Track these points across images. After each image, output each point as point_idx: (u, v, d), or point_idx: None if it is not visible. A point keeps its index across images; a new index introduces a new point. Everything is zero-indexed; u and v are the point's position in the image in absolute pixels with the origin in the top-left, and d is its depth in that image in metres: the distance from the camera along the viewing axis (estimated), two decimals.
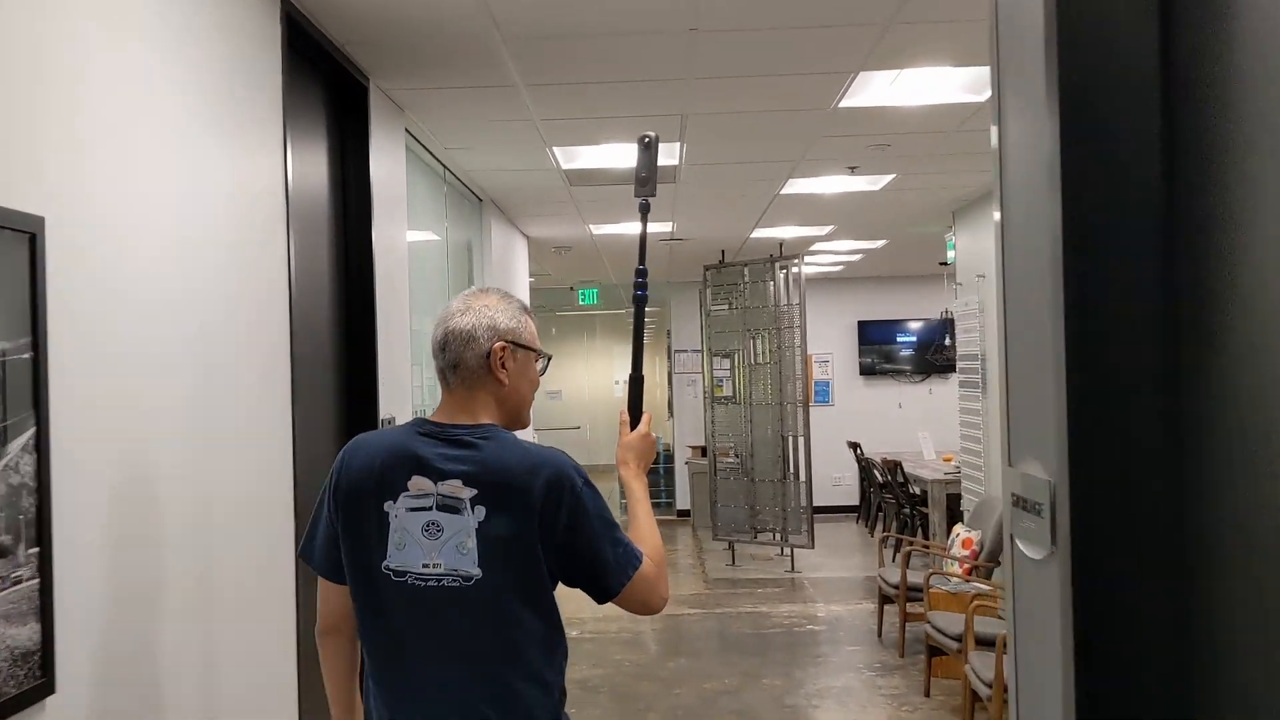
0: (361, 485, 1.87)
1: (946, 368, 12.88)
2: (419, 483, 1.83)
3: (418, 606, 1.82)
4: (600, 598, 1.91)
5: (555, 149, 5.41)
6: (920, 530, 9.88)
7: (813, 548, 9.36)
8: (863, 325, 13.22)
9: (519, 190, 6.53)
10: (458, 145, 5.25)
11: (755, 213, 7.67)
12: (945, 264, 11.67)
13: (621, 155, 5.74)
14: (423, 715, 1.84)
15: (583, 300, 12.25)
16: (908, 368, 13.21)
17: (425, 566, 1.81)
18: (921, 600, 6.73)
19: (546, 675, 1.86)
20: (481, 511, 1.81)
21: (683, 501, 12.94)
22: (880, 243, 9.66)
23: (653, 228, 8.36)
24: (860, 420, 13.04)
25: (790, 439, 9.47)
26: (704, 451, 11.01)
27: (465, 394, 1.92)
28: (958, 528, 6.99)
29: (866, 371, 13.24)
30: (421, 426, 1.91)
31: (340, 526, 1.90)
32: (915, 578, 6.81)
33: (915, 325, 13.16)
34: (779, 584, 8.96)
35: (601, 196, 6.79)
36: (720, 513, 9.95)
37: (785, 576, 9.27)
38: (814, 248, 9.94)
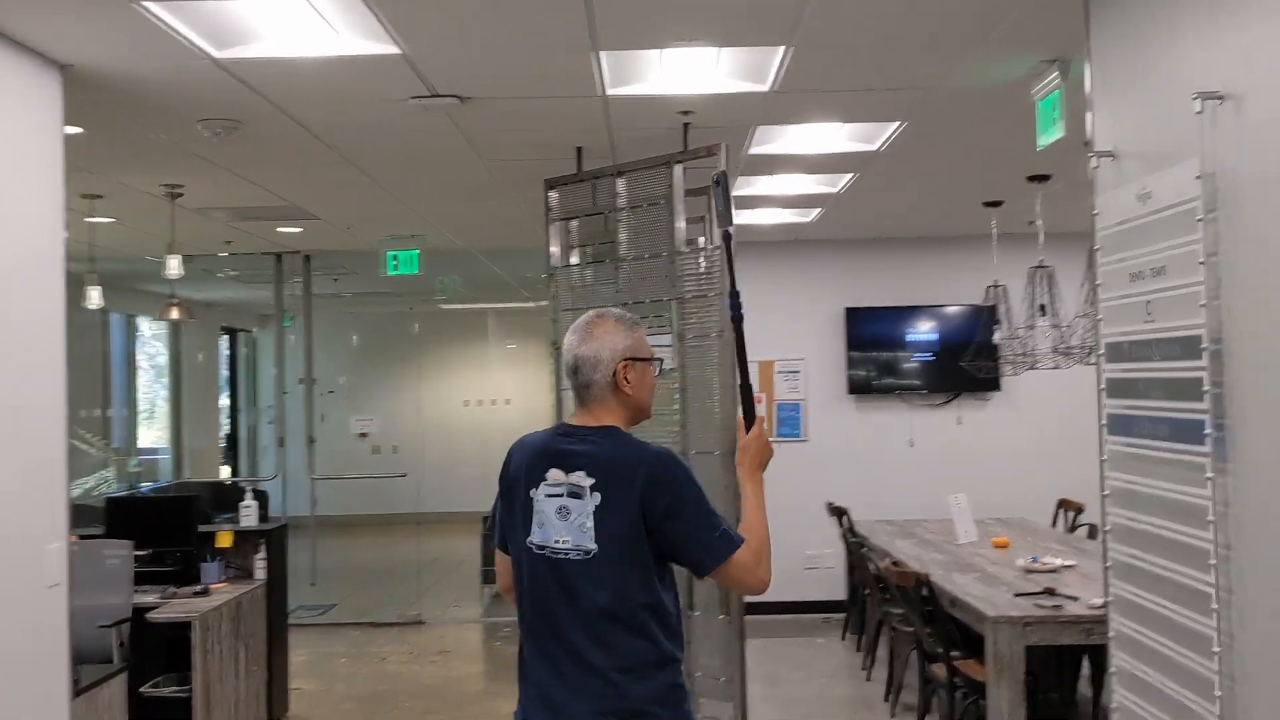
0: (516, 476, 2.37)
1: (986, 384, 8.05)
2: (555, 474, 2.30)
3: (553, 574, 2.28)
4: (696, 573, 2.32)
5: None
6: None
7: None
8: (853, 316, 8.39)
9: None
10: None
11: None
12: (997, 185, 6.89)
13: None
14: (555, 665, 2.28)
15: (391, 269, 7.36)
16: (923, 384, 8.38)
17: (558, 542, 2.27)
18: None
19: (657, 638, 2.27)
20: (598, 497, 2.26)
21: None
22: (893, 128, 4.82)
23: (361, 45, 3.53)
24: (849, 465, 8.21)
25: None
26: None
27: (597, 405, 2.36)
28: None
29: (860, 388, 8.40)
30: (561, 429, 2.41)
31: (504, 510, 2.41)
32: None
33: (934, 319, 8.35)
34: None
35: None
36: None
37: None
38: (758, 147, 5.12)
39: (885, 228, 7.89)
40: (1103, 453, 2.89)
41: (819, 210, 6.95)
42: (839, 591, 7.99)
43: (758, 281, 8.53)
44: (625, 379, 2.34)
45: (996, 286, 6.76)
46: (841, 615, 7.82)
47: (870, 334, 8.42)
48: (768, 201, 6.63)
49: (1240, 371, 2.27)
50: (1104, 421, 2.88)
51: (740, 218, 7.04)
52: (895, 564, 5.27)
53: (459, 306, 12.72)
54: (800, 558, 8.08)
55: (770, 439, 2.58)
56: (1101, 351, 2.90)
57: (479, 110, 4.28)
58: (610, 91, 4.11)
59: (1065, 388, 7.68)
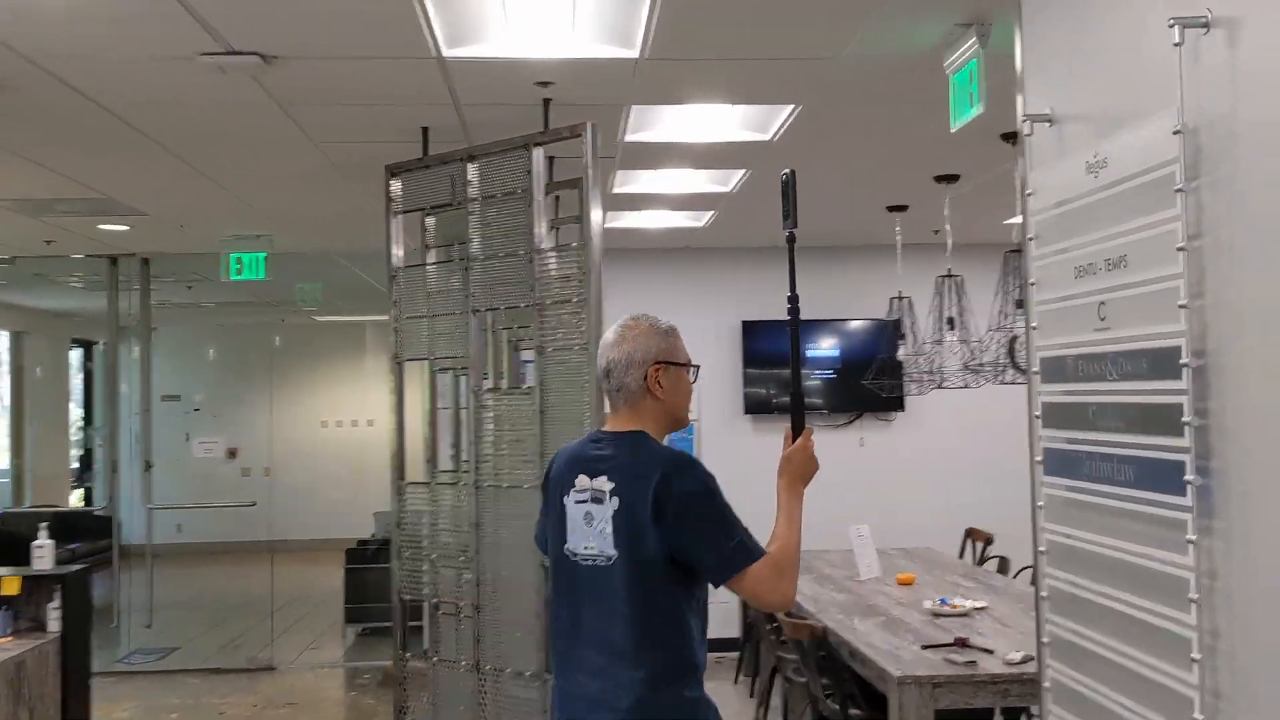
0: (553, 483, 2.42)
1: (890, 403, 7.53)
2: (583, 480, 2.31)
3: (582, 580, 2.29)
4: (712, 581, 2.24)
5: None
6: None
7: None
8: (750, 330, 7.81)
9: None
10: None
11: None
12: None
13: None
14: (581, 670, 2.28)
15: (234, 274, 6.53)
16: (824, 403, 7.83)
17: (586, 549, 2.28)
18: None
19: (680, 646, 2.23)
20: (616, 501, 2.25)
21: None
22: (787, 113, 4.21)
23: None
24: (745, 490, 7.32)
25: None
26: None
27: (627, 409, 2.36)
28: None
29: (757, 408, 7.81)
30: (594, 435, 2.44)
31: (545, 517, 2.46)
32: None
33: (835, 335, 7.82)
34: None
35: None
36: None
37: None
38: (636, 133, 4.47)
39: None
40: (1036, 497, 2.28)
41: (712, 213, 6.34)
42: (733, 628, 7.35)
43: (647, 292, 7.89)
44: (657, 383, 2.34)
45: (901, 298, 6.22)
46: (735, 655, 7.19)
47: (768, 349, 7.83)
48: (654, 201, 5.99)
49: (1233, 395, 1.66)
50: (1038, 458, 2.27)
51: (624, 220, 6.39)
52: (788, 613, 4.64)
53: (335, 319, 11.83)
54: None
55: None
56: (1035, 369, 2.29)
57: (291, 74, 3.54)
58: (448, 53, 3.41)
59: (974, 407, 7.20)
